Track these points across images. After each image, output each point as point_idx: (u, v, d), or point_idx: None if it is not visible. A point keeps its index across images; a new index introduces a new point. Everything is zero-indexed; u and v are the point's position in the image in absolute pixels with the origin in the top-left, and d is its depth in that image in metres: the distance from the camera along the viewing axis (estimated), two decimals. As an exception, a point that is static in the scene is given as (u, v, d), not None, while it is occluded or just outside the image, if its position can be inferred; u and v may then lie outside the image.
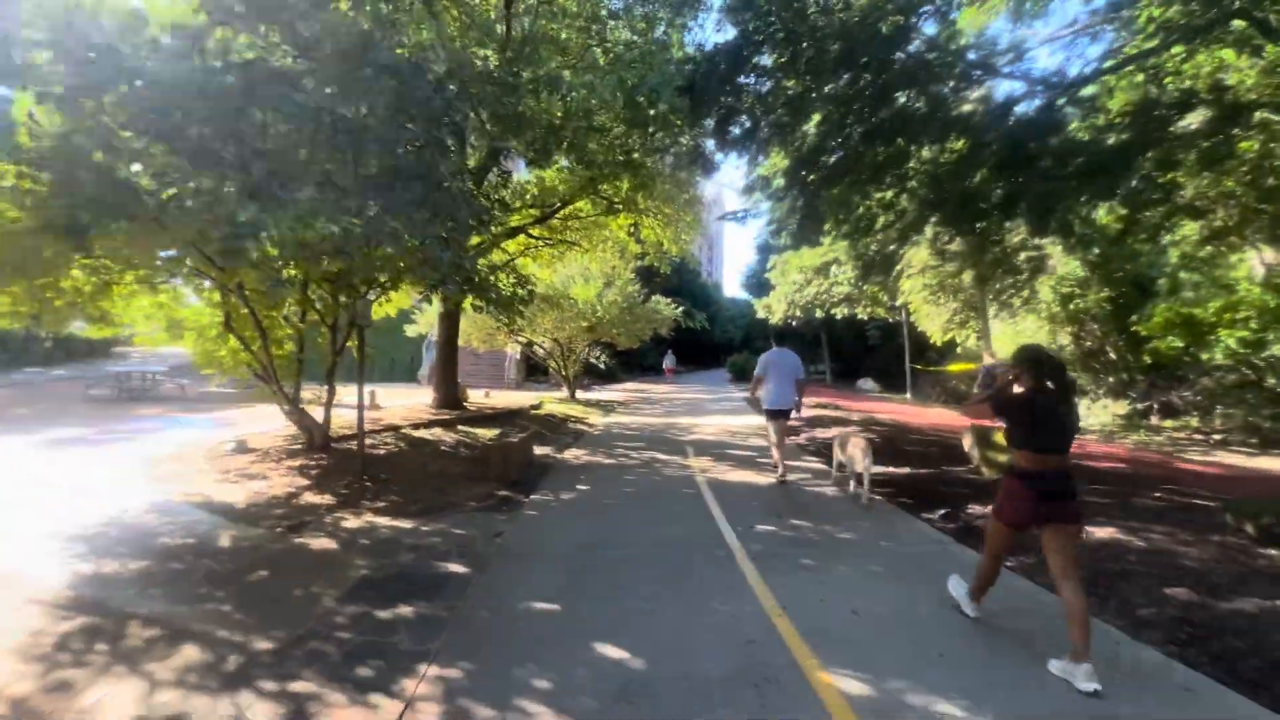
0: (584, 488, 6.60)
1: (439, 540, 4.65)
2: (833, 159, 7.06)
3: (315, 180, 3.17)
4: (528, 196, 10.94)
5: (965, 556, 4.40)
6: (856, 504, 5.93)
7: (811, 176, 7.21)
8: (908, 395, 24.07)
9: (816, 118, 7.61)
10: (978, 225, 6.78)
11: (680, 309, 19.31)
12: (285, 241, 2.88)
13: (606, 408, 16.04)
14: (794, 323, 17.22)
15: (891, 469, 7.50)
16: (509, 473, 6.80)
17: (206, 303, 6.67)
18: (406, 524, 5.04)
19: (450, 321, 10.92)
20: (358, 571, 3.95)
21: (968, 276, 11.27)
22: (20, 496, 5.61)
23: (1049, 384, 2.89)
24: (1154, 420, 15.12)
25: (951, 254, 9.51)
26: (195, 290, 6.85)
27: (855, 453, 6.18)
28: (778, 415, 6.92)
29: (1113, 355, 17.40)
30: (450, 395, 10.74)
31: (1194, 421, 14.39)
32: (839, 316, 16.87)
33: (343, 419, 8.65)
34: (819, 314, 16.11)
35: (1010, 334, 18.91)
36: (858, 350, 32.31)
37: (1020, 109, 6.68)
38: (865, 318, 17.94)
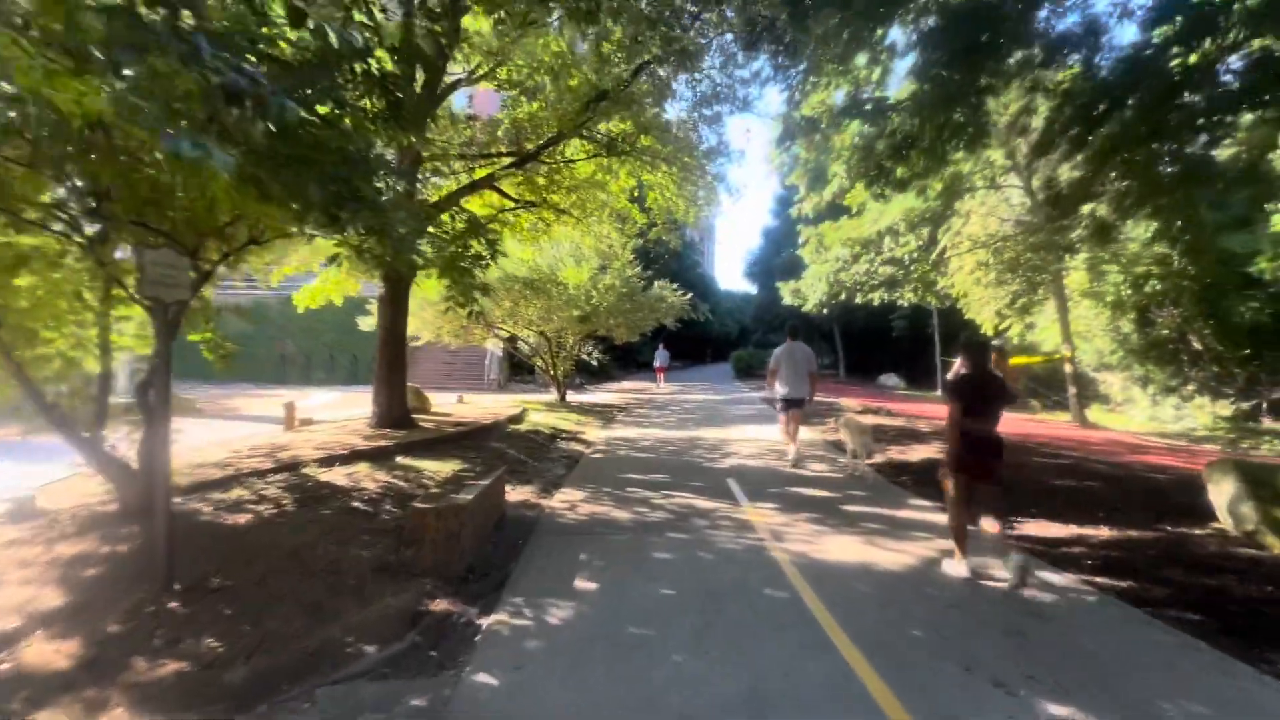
0: (586, 584, 3.75)
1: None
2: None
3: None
4: (500, 133, 8.00)
5: None
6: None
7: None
8: (939, 393, 21.42)
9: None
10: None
11: (687, 295, 16.48)
12: None
13: (605, 415, 13.17)
14: (825, 310, 14.43)
15: (1078, 528, 4.72)
16: (455, 556, 3.94)
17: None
18: (184, 750, 2.18)
19: (394, 308, 7.97)
20: None
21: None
22: None
23: (980, 367, 3.82)
24: (1266, 422, 12.55)
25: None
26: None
27: (865, 439, 7.12)
28: (791, 405, 7.43)
29: (1197, 345, 14.78)
30: (395, 409, 7.83)
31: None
32: (876, 302, 14.08)
33: (242, 445, 5.76)
34: (860, 299, 13.31)
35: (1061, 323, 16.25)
36: (874, 342, 29.70)
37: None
38: (906, 303, 15.20)
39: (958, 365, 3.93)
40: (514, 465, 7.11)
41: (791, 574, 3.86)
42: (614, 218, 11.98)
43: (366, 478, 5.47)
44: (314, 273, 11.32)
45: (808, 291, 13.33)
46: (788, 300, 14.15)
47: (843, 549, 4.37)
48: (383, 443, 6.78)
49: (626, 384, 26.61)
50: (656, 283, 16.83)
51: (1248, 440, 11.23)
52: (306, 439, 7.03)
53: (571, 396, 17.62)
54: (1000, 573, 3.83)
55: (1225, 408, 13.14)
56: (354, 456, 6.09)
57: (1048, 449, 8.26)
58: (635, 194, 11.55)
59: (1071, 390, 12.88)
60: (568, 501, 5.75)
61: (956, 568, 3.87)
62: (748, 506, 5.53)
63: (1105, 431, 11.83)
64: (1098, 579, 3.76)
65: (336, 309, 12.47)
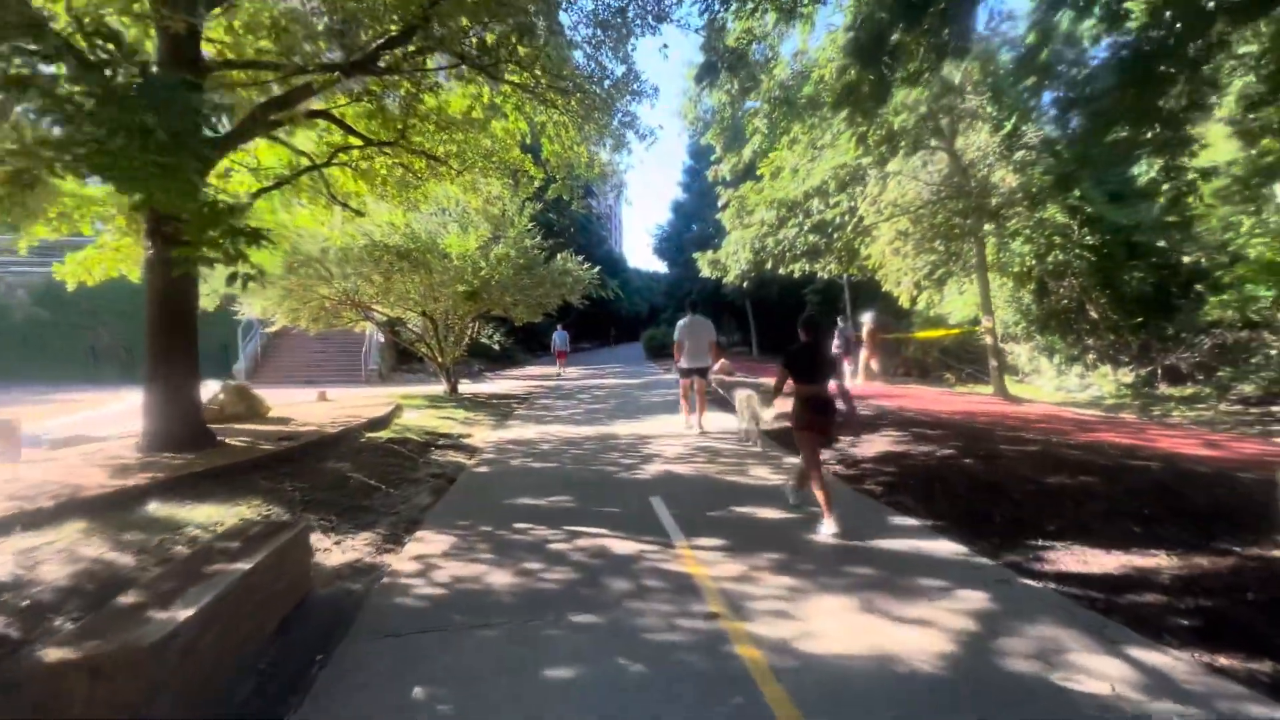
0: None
1: None
2: None
3: None
4: (321, 26, 5.66)
5: None
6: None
7: None
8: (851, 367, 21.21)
9: None
10: None
11: (595, 269, 14.67)
12: None
13: (501, 410, 11.17)
14: (746, 283, 13.19)
15: (1123, 554, 3.50)
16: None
17: None
18: None
19: (168, 274, 5.45)
20: None
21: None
22: None
23: (816, 340, 4.29)
24: (1162, 389, 12.86)
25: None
26: None
27: (755, 408, 7.06)
28: (693, 374, 7.86)
29: (1094, 314, 15.14)
30: (178, 422, 5.41)
31: (1207, 390, 12.16)
32: (797, 274, 13.07)
33: None
34: (783, 269, 12.15)
35: (972, 294, 16.19)
36: (788, 317, 29.40)
37: None
38: (828, 275, 14.35)
39: (802, 336, 4.33)
40: (356, 497, 5.07)
41: (778, 701, 2.27)
42: (504, 173, 9.86)
43: (60, 554, 3.26)
44: (89, 237, 8.46)
45: (729, 261, 11.97)
46: (706, 272, 12.74)
47: (839, 626, 2.85)
48: (139, 479, 4.47)
49: (532, 369, 24.52)
50: (560, 255, 14.84)
51: (1157, 407, 11.28)
52: (8, 480, 4.56)
53: (466, 387, 15.40)
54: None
55: (1126, 375, 13.38)
56: (64, 510, 3.80)
57: (1002, 431, 7.38)
58: (527, 140, 9.53)
59: (993, 362, 12.53)
60: (422, 557, 3.86)
61: (828, 528, 4.02)
62: (684, 547, 3.92)
63: (1031, 405, 11.50)
64: (1221, 659, 2.48)
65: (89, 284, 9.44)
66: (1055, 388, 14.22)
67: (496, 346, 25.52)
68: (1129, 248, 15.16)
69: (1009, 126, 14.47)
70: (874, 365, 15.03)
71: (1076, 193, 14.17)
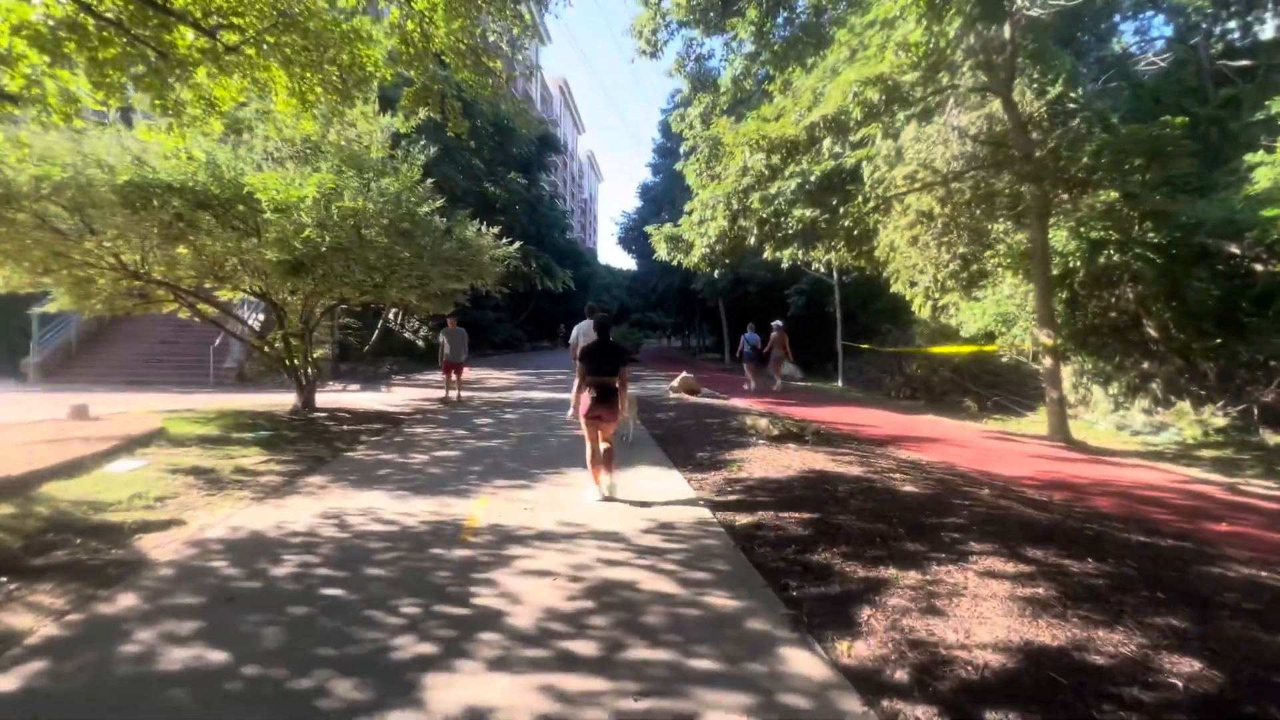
0: None
1: None
2: None
3: None
4: None
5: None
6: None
7: None
8: (839, 383, 17.81)
9: None
10: None
11: (516, 245, 10.79)
12: None
13: (328, 448, 7.20)
14: (716, 269, 9.53)
15: None
16: None
17: None
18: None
19: None
20: None
21: None
22: None
23: (604, 337, 5.06)
24: (1265, 436, 9.62)
25: None
26: None
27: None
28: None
29: (1153, 331, 11.90)
30: None
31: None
32: (785, 262, 9.49)
33: None
34: (768, 253, 8.51)
35: (992, 304, 12.85)
36: (768, 323, 25.91)
37: None
38: (820, 268, 10.84)
39: (595, 335, 5.19)
40: None
41: None
42: (324, 66, 5.92)
43: None
44: None
45: (692, 236, 8.27)
46: (662, 253, 9.05)
47: None
48: None
49: (467, 374, 20.38)
50: (473, 224, 10.89)
51: (1286, 468, 7.98)
52: None
53: (338, 398, 11.38)
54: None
55: (1212, 414, 10.10)
56: None
57: (1202, 576, 3.85)
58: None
59: (1052, 394, 9.11)
60: None
61: (592, 494, 4.96)
62: None
63: (1120, 462, 8.04)
64: None
65: None
66: (1115, 425, 10.96)
67: (420, 343, 21.49)
68: (1200, 251, 11.97)
69: (1054, 91, 11.30)
70: (777, 374, 15.10)
71: (1138, 176, 10.97)
